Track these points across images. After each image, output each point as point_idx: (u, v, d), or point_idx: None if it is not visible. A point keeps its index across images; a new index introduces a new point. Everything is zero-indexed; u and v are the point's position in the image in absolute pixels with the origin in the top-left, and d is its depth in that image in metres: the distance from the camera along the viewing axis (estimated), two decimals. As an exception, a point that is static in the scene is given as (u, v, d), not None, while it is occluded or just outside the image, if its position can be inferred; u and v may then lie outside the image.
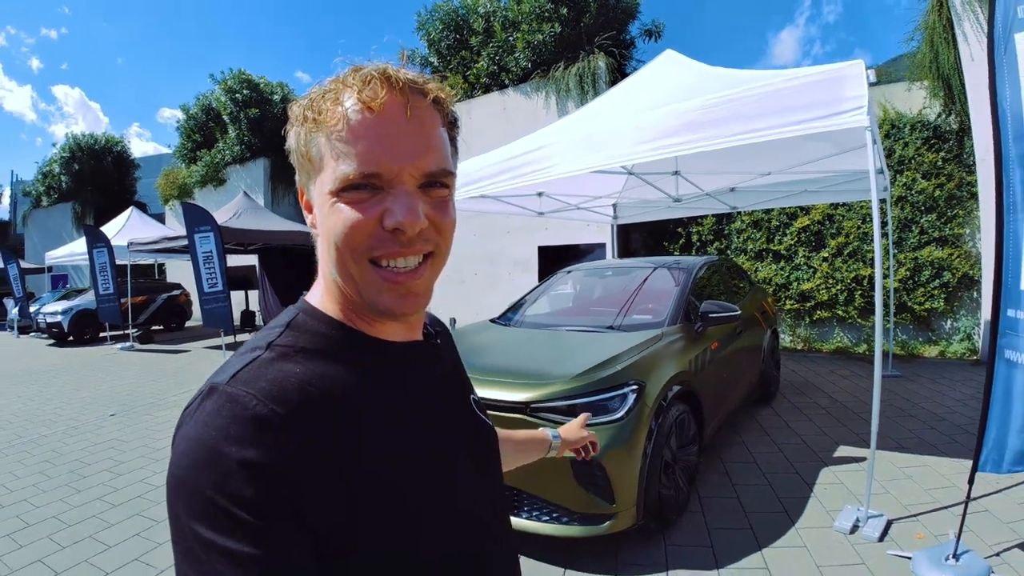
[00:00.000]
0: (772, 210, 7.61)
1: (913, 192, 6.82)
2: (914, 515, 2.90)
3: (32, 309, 12.71)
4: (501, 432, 0.96)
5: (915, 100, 7.06)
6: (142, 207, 16.84)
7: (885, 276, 6.35)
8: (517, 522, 2.56)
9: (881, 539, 2.66)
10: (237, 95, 14.65)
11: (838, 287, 7.28)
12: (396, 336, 0.64)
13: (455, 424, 0.69)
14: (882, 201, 6.03)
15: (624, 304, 3.81)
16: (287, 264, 11.29)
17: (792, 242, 7.61)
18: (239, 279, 12.07)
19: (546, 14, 9.43)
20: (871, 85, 3.65)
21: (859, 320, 7.28)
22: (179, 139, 17.00)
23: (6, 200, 30.10)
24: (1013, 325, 2.24)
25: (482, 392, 2.62)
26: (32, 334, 13.13)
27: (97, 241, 10.92)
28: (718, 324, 3.52)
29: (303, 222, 0.64)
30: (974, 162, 6.37)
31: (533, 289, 4.72)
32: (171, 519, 0.48)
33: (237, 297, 11.84)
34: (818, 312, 7.54)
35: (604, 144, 3.49)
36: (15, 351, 10.99)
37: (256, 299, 12.72)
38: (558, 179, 3.93)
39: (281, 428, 0.49)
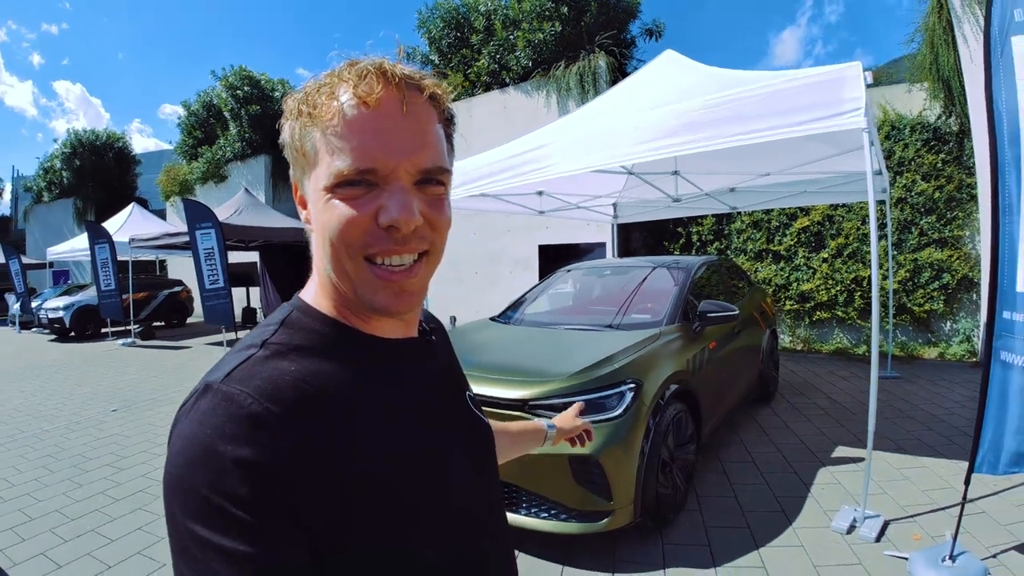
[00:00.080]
0: (772, 210, 7.61)
1: (913, 194, 6.82)
2: (911, 516, 2.91)
3: (34, 305, 12.74)
4: (497, 425, 0.95)
5: (915, 102, 7.06)
6: (143, 203, 16.91)
7: (885, 277, 6.36)
8: (515, 518, 2.57)
9: (878, 539, 2.67)
10: (238, 92, 14.66)
11: (838, 288, 7.28)
12: (391, 333, 0.64)
13: (450, 421, 0.68)
14: (882, 203, 6.03)
15: (623, 303, 3.82)
16: (288, 261, 11.31)
17: (792, 243, 7.62)
18: (240, 276, 12.12)
19: (547, 13, 9.43)
20: (869, 87, 3.66)
21: (858, 321, 7.29)
22: (180, 135, 17.05)
23: (7, 195, 30.17)
24: (1008, 327, 2.25)
25: (481, 390, 2.64)
26: (34, 330, 13.16)
27: (99, 237, 10.95)
28: (716, 324, 3.53)
29: (303, 219, 0.63)
30: (974, 164, 6.37)
31: (533, 288, 4.73)
32: (167, 517, 0.49)
33: (238, 294, 11.89)
34: (818, 313, 7.55)
35: (604, 144, 3.50)
36: (17, 347, 11.02)
37: (257, 296, 12.75)
38: (558, 178, 3.94)
39: (276, 426, 0.49)
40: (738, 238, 8.11)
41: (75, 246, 13.14)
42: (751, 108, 2.97)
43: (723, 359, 3.74)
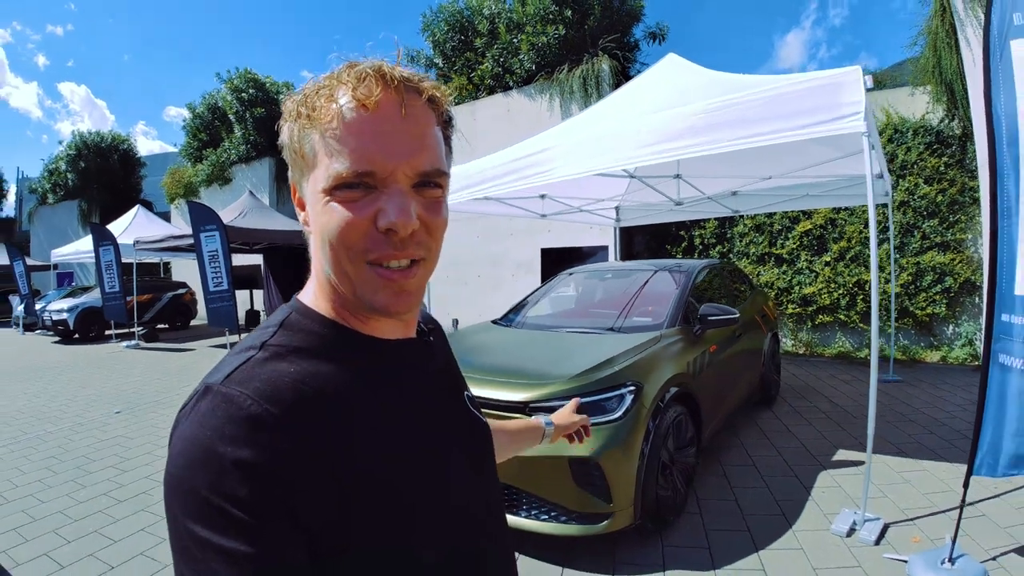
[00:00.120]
0: (774, 214, 7.61)
1: (915, 197, 6.81)
2: (911, 519, 2.91)
3: (38, 306, 12.78)
4: (495, 423, 0.96)
5: (918, 105, 7.06)
6: (148, 205, 16.95)
7: (887, 281, 6.35)
8: (515, 520, 2.58)
9: (877, 542, 2.67)
10: (243, 94, 14.74)
11: (840, 292, 7.27)
12: (389, 334, 0.64)
13: (449, 421, 0.69)
14: (884, 206, 6.03)
15: (624, 306, 3.83)
16: (292, 263, 11.34)
17: (794, 246, 7.62)
18: (244, 278, 12.14)
19: (550, 16, 9.46)
20: (871, 91, 3.67)
21: (861, 325, 7.28)
22: (185, 138, 17.14)
23: (12, 197, 30.30)
24: (1007, 330, 2.26)
25: (483, 392, 2.65)
26: (38, 331, 13.21)
27: (103, 239, 11.01)
28: (717, 327, 3.54)
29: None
30: (976, 167, 6.37)
31: (535, 291, 4.75)
32: (168, 518, 0.49)
33: (242, 296, 11.91)
34: (820, 316, 7.54)
35: (607, 147, 3.51)
36: (21, 348, 11.07)
37: (261, 298, 12.78)
38: (561, 181, 3.95)
39: (275, 428, 0.49)
40: (740, 241, 8.11)
41: (79, 248, 13.22)
42: (753, 112, 2.98)
43: (724, 362, 3.75)
